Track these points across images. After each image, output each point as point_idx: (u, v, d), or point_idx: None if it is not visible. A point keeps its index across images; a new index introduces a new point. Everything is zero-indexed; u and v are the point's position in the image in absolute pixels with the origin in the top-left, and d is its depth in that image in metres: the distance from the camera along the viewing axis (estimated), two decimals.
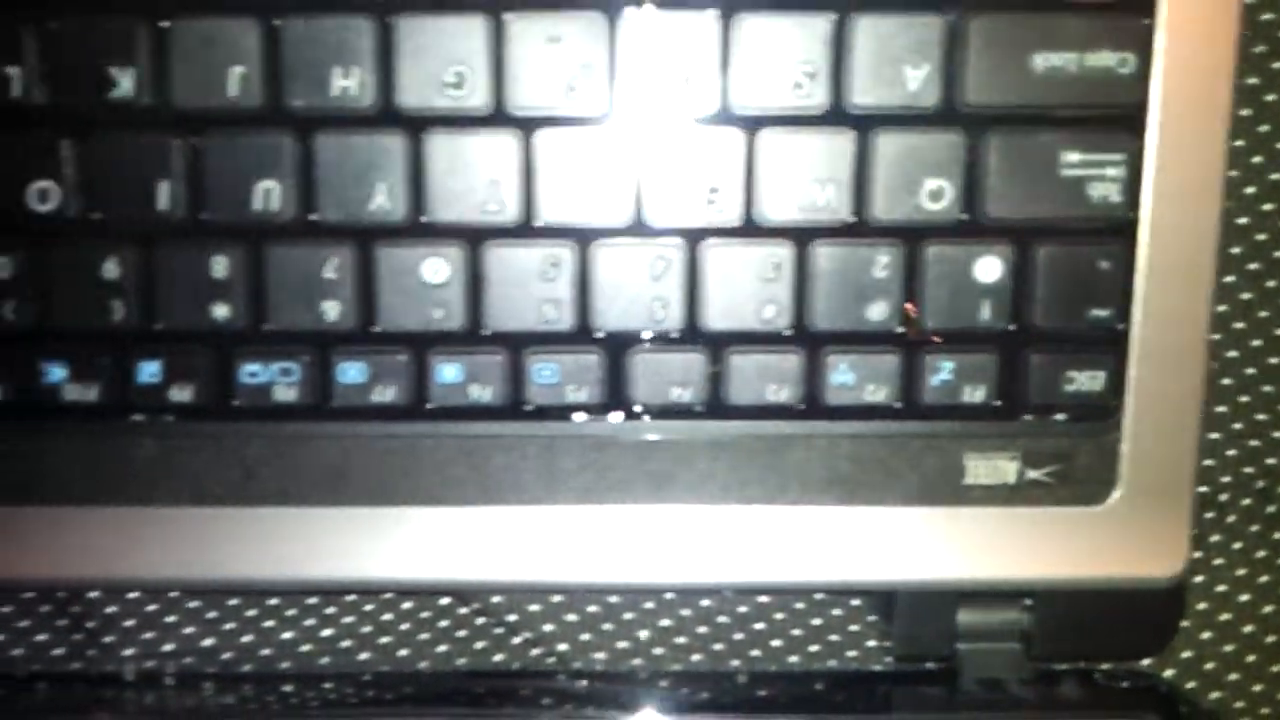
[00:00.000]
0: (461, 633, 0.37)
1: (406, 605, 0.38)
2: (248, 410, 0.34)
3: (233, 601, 0.37)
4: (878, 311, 0.33)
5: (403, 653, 0.37)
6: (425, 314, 0.33)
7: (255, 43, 0.32)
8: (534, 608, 0.37)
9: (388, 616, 0.38)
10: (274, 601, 0.38)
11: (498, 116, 0.32)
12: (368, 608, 0.38)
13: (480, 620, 0.38)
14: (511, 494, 0.34)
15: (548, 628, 0.37)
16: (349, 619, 0.37)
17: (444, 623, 0.38)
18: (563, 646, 0.37)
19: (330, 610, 0.38)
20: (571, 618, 0.37)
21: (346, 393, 0.34)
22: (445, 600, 0.38)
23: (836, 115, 0.32)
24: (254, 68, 0.32)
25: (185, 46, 0.32)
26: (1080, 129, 0.32)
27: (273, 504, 0.34)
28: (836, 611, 0.38)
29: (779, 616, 0.38)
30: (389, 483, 0.34)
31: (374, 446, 0.34)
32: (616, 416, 0.34)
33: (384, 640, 0.37)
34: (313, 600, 0.38)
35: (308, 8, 0.32)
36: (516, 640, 0.37)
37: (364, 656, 0.37)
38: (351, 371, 0.34)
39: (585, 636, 0.37)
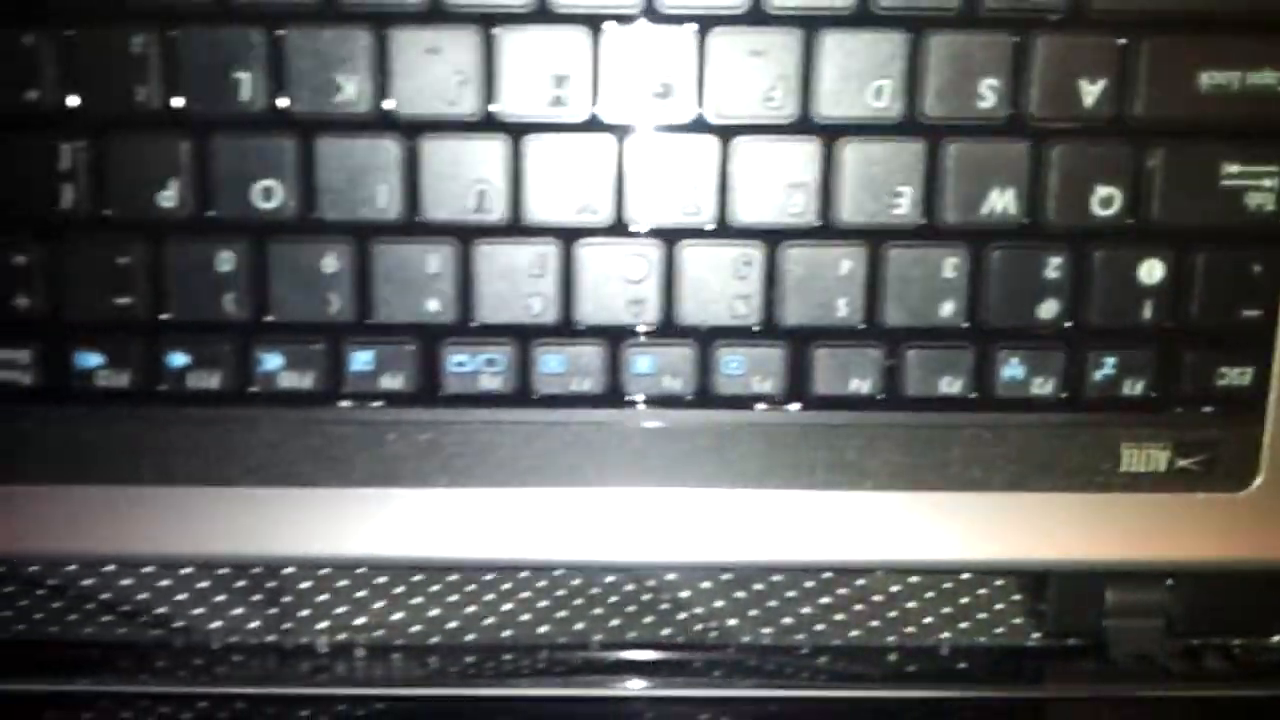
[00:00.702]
0: (631, 608, 0.40)
1: (576, 581, 0.40)
2: (455, 398, 0.36)
3: (417, 577, 0.40)
4: (1048, 310, 0.35)
5: (578, 626, 0.39)
6: (622, 309, 0.35)
7: (474, 53, 0.34)
8: (705, 585, 0.39)
9: (561, 592, 0.40)
10: (454, 577, 0.40)
11: (699, 124, 0.34)
12: (541, 584, 0.40)
13: (648, 596, 0.40)
14: (694, 477, 0.36)
15: (718, 604, 0.39)
16: (526, 594, 0.40)
17: (614, 598, 0.40)
18: (732, 622, 0.39)
19: (507, 586, 0.40)
20: (740, 594, 0.39)
21: (547, 381, 0.36)
22: (612, 577, 0.40)
23: (1014, 126, 0.34)
24: (472, 76, 0.34)
25: (407, 55, 0.34)
26: (1240, 142, 0.35)
27: (472, 485, 0.37)
28: (983, 591, 0.40)
29: (929, 595, 0.40)
30: (585, 466, 0.36)
31: (571, 432, 0.36)
32: (795, 406, 0.36)
33: (561, 615, 0.39)
34: (490, 576, 0.40)
35: (524, 19, 0.34)
36: (683, 615, 0.40)
37: (542, 630, 0.39)
38: (552, 362, 0.36)
39: (753, 613, 0.39)
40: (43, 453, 0.36)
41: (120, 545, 0.37)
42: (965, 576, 0.40)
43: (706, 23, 0.34)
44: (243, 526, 0.37)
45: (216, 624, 0.39)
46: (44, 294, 0.35)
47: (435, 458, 0.36)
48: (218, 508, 0.37)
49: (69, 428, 0.36)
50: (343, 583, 0.40)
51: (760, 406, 0.36)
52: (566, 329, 0.36)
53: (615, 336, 0.36)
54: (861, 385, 0.36)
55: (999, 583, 0.40)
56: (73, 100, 0.34)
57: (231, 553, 0.38)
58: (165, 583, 0.39)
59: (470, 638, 0.39)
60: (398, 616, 0.39)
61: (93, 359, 0.36)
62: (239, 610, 0.39)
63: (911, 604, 0.40)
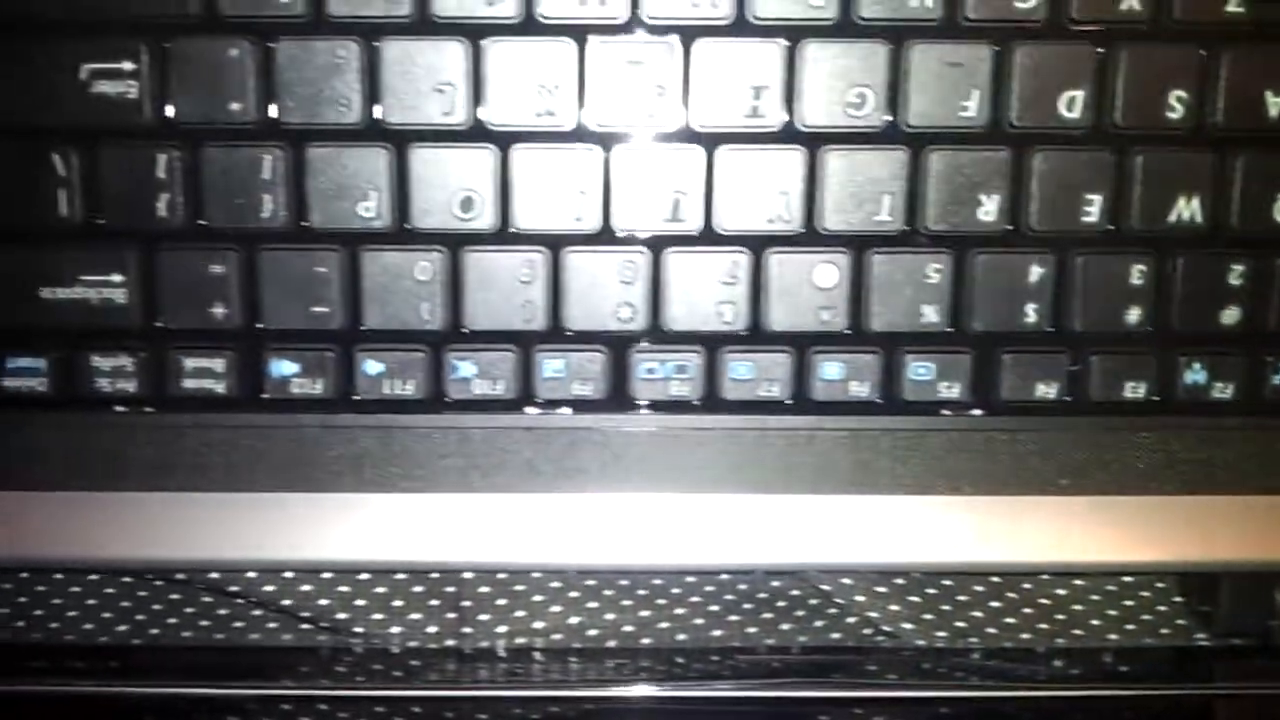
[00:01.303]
0: (800, 612, 0.40)
1: (743, 586, 0.41)
2: (644, 404, 0.36)
3: (591, 582, 0.40)
4: (1229, 316, 0.36)
5: (750, 630, 0.40)
6: (812, 315, 0.36)
7: (674, 66, 0.34)
8: (881, 589, 0.40)
9: (730, 596, 0.40)
10: (625, 582, 0.40)
11: (890, 134, 0.35)
12: (709, 588, 0.40)
13: (815, 600, 0.40)
14: (885, 482, 0.37)
15: (893, 607, 0.40)
16: (696, 598, 0.40)
17: (782, 603, 0.40)
18: (907, 625, 0.40)
19: (676, 590, 0.40)
20: (914, 599, 0.40)
21: (734, 388, 0.36)
22: (778, 581, 0.41)
23: (1199, 136, 0.35)
24: (670, 89, 0.35)
25: (605, 69, 0.34)
26: None
27: (657, 490, 0.37)
28: (1146, 593, 0.41)
29: (1095, 598, 0.40)
30: (770, 472, 0.37)
31: (757, 438, 0.37)
32: (978, 411, 0.37)
33: (733, 618, 0.40)
34: (658, 581, 0.40)
35: (723, 31, 0.34)
36: (853, 619, 0.40)
37: (716, 633, 0.40)
38: (741, 369, 0.36)
39: (927, 616, 0.40)
40: (235, 460, 0.37)
41: (305, 552, 0.37)
42: (1129, 579, 0.41)
43: (902, 34, 0.34)
44: (415, 532, 0.37)
45: (396, 629, 0.39)
46: (240, 303, 0.36)
47: (623, 463, 0.37)
48: (404, 514, 0.37)
49: (262, 436, 0.37)
50: (520, 587, 0.40)
51: (945, 412, 0.37)
52: (756, 336, 0.36)
53: (803, 343, 0.36)
54: (1047, 390, 0.36)
55: (1160, 585, 0.41)
56: (274, 111, 0.35)
57: (414, 560, 0.38)
58: (345, 589, 0.40)
59: (645, 641, 0.40)
60: (574, 620, 0.39)
61: (287, 367, 0.36)
62: (418, 615, 0.40)
63: (1078, 607, 0.40)
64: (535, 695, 0.39)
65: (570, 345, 0.36)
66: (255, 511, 0.37)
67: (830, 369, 0.36)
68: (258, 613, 0.40)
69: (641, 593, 0.40)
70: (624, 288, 0.36)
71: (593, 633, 0.39)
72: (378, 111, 0.35)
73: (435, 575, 0.40)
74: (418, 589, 0.40)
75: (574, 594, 0.40)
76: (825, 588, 0.40)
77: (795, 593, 0.41)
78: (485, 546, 0.38)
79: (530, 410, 0.37)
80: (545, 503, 0.37)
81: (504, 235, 0.35)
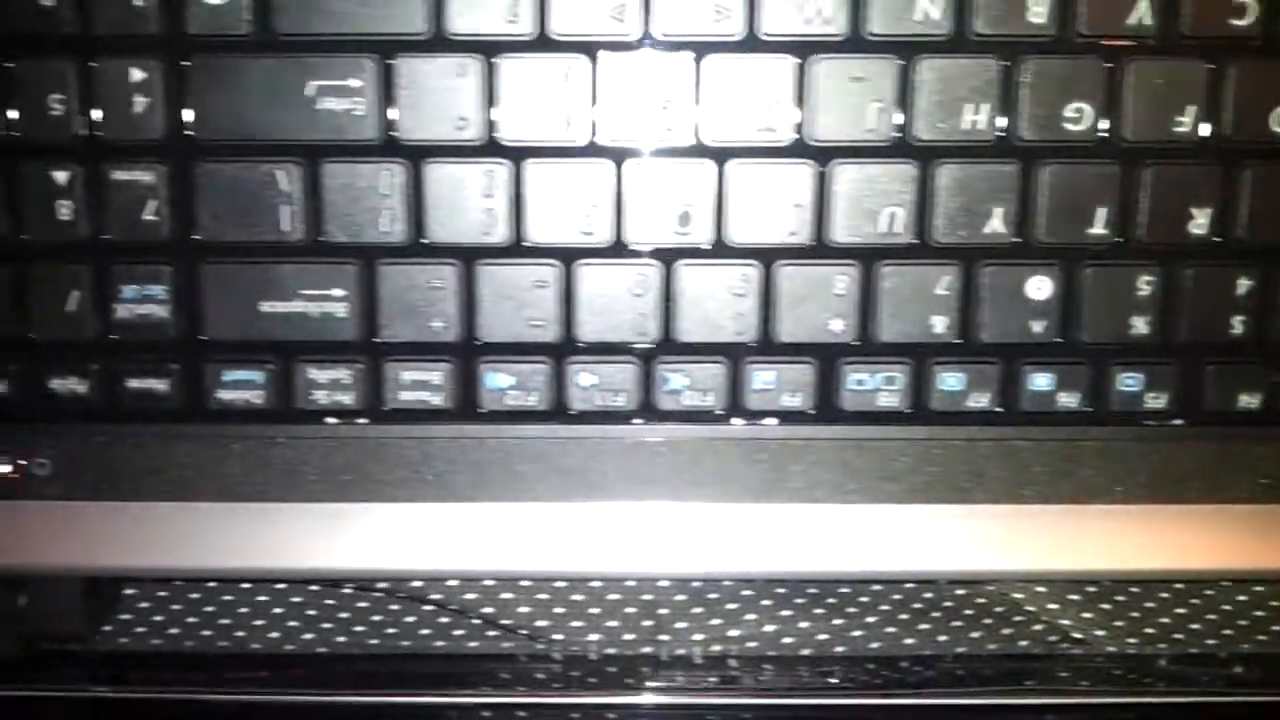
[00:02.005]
0: (988, 620, 0.41)
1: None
2: (852, 415, 0.37)
3: (781, 590, 0.41)
4: None
5: (941, 638, 0.40)
6: (1023, 326, 0.36)
7: (893, 81, 0.35)
8: (1072, 596, 0.40)
9: (918, 605, 0.41)
10: (814, 590, 0.41)
11: (1107, 146, 0.35)
12: (863, 599, 0.41)
13: (1002, 607, 0.41)
14: (1087, 492, 0.38)
15: (1084, 614, 0.40)
16: (886, 606, 0.41)
17: (969, 610, 0.41)
18: (1099, 632, 0.40)
19: (865, 599, 0.41)
20: (1104, 605, 0.40)
21: (943, 399, 0.37)
22: (963, 590, 0.41)
23: None
24: (889, 103, 0.35)
25: (826, 84, 0.35)
26: None
27: (860, 501, 0.38)
28: None
29: (1276, 604, 0.41)
30: (977, 482, 0.37)
31: (964, 449, 0.37)
32: (1180, 421, 0.37)
33: (923, 626, 0.40)
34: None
35: (943, 50, 0.35)
36: (1039, 626, 0.41)
37: (908, 641, 0.40)
38: (950, 380, 0.37)
39: (1117, 623, 0.40)
40: (447, 471, 0.37)
41: (510, 561, 0.38)
42: None
43: (1120, 53, 0.35)
44: (629, 541, 0.38)
45: (594, 636, 0.40)
46: (458, 317, 0.36)
47: (827, 473, 0.37)
48: (607, 523, 0.38)
49: (475, 447, 0.37)
50: (714, 595, 0.40)
51: (1148, 423, 0.37)
52: (966, 347, 0.37)
53: (1012, 354, 0.37)
54: (1250, 401, 0.37)
55: None
56: (497, 127, 0.35)
57: (616, 569, 0.39)
58: (544, 596, 0.40)
59: (838, 649, 0.40)
60: (770, 629, 0.40)
61: (503, 380, 0.37)
62: (615, 623, 0.40)
63: (1260, 613, 0.41)
64: (732, 702, 0.39)
65: (781, 357, 0.37)
66: (463, 520, 0.38)
67: (1040, 380, 0.37)
68: (445, 619, 0.41)
69: (830, 600, 0.41)
70: (836, 300, 0.36)
71: (787, 641, 0.40)
72: (599, 129, 0.35)
73: (631, 583, 0.41)
74: (614, 596, 0.40)
75: (767, 602, 0.40)
76: (1017, 596, 0.40)
77: (982, 600, 0.41)
78: (685, 555, 0.38)
79: (737, 422, 0.37)
80: (746, 511, 0.38)
81: (719, 249, 0.36)
